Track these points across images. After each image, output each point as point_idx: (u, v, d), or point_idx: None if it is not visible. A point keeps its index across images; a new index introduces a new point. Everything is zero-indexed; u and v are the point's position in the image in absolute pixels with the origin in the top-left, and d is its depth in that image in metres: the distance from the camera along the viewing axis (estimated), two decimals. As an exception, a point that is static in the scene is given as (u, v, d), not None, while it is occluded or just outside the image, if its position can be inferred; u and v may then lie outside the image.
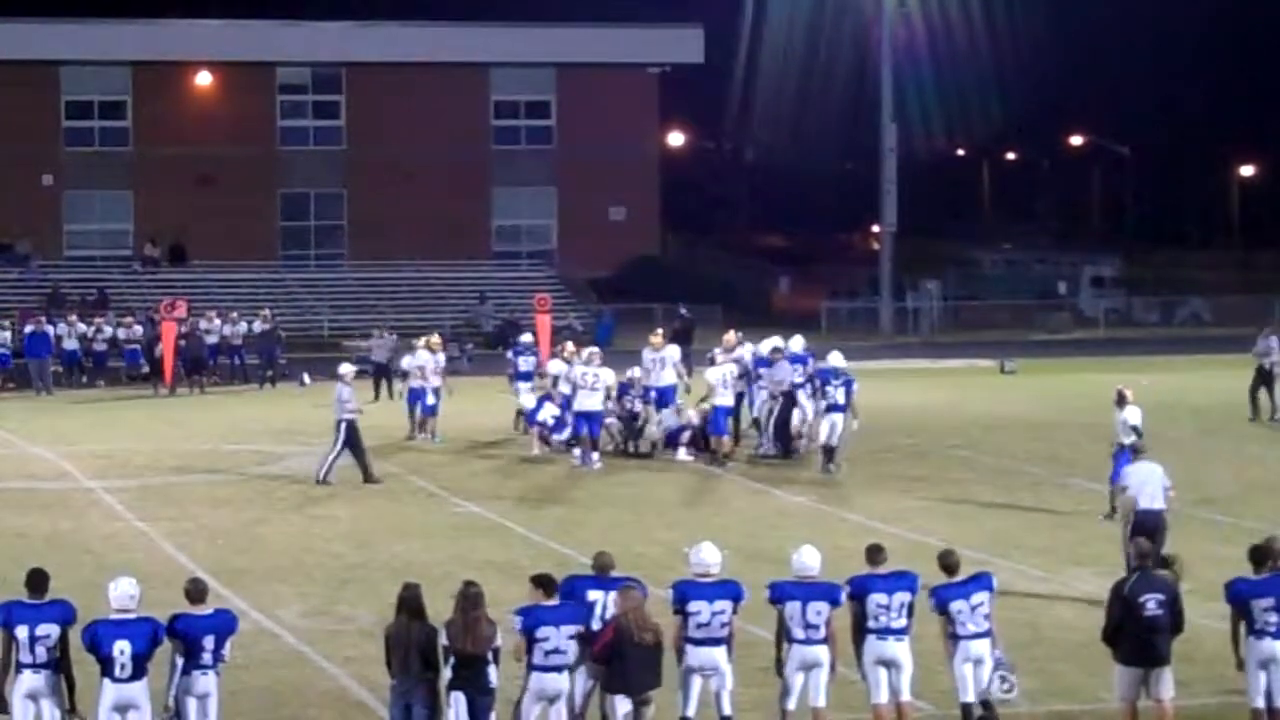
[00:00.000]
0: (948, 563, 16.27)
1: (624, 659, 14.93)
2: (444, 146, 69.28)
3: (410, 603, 14.81)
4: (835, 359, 31.44)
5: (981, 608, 15.90)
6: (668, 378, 33.67)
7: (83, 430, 38.20)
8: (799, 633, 15.56)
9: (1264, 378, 38.63)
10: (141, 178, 68.42)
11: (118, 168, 68.52)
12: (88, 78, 68.97)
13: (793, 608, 15.56)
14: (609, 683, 15.08)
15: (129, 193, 69.11)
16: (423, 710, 14.65)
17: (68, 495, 29.55)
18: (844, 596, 15.73)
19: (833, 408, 30.55)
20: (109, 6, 68.38)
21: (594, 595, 15.53)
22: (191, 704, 14.69)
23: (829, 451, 30.66)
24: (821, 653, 15.58)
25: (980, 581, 16.04)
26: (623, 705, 15.05)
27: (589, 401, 31.93)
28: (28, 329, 47.32)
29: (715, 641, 15.41)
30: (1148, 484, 21.42)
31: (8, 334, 47.75)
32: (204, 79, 69.77)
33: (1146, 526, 20.72)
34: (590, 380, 31.95)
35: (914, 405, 40.06)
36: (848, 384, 30.74)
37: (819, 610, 15.54)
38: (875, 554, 16.19)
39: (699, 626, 15.40)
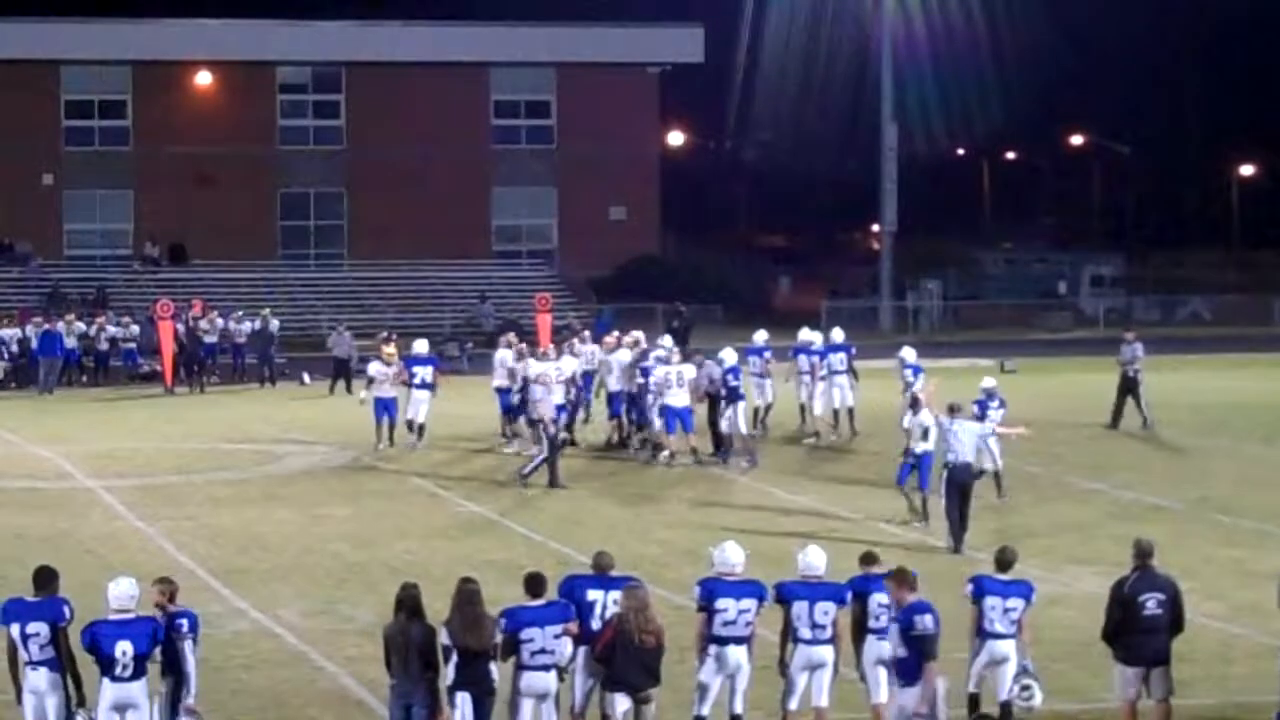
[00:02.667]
0: (1003, 559, 16.32)
1: (624, 658, 14.93)
2: (444, 146, 69.25)
3: (409, 602, 14.80)
4: (989, 383, 29.64)
5: (1013, 612, 15.92)
6: (616, 383, 33.39)
7: (83, 430, 38.20)
8: (805, 632, 15.55)
9: (1127, 385, 36.80)
10: (141, 177, 68.39)
11: (118, 167, 68.48)
12: (88, 77, 68.94)
13: (800, 607, 15.55)
14: (608, 681, 15.09)
15: (129, 192, 69.08)
16: (422, 711, 14.65)
17: (68, 495, 29.55)
18: (849, 596, 15.73)
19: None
20: (109, 6, 68.37)
21: (594, 595, 15.52)
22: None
23: (998, 477, 28.20)
24: (826, 653, 15.57)
25: (1022, 588, 16.05)
26: (622, 703, 15.06)
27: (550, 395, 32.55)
28: (39, 327, 47.24)
29: (739, 640, 15.42)
30: (964, 441, 24.66)
31: (16, 331, 47.72)
32: (204, 78, 69.74)
33: (957, 478, 24.39)
34: (555, 375, 32.44)
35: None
36: (1003, 405, 29.12)
37: (826, 610, 15.54)
38: (870, 561, 16.20)
39: (725, 624, 15.38)
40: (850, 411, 35.25)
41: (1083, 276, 76.19)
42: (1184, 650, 16.63)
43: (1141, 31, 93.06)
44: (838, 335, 36.15)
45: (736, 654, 15.41)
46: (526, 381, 32.18)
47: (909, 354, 33.57)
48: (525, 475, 29.77)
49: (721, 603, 15.37)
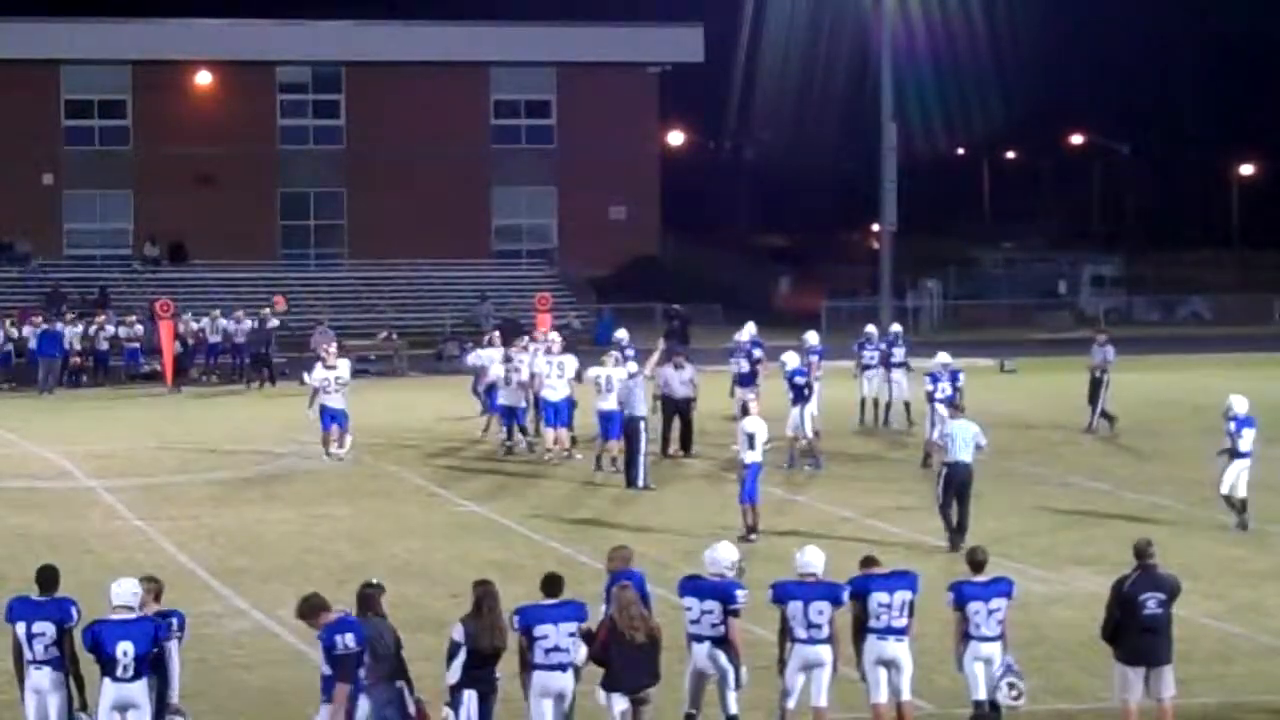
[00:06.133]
0: (975, 559, 16.28)
1: (620, 657, 14.93)
2: (444, 146, 69.25)
3: (363, 600, 14.85)
4: (1240, 405, 26.72)
5: (998, 613, 15.89)
6: (562, 390, 32.65)
7: (83, 429, 38.21)
8: (801, 632, 15.55)
9: (1095, 386, 36.80)
10: (141, 177, 68.39)
11: (118, 167, 68.48)
12: (88, 77, 68.94)
13: (795, 607, 15.56)
14: (605, 680, 15.09)
15: (129, 192, 69.09)
16: (390, 709, 14.68)
17: (68, 494, 29.56)
18: (846, 596, 15.72)
19: (1238, 454, 26.03)
20: (109, 6, 68.34)
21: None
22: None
23: (1238, 504, 26.29)
24: (824, 652, 15.55)
25: (1002, 586, 16.02)
26: (618, 703, 15.04)
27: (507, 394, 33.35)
28: (39, 327, 47.26)
29: (711, 640, 15.43)
30: (960, 440, 24.58)
31: (18, 330, 47.74)
32: (204, 78, 69.75)
33: (956, 476, 24.53)
34: (526, 377, 32.95)
35: (913, 404, 39.98)
36: (1245, 425, 26.30)
37: (821, 610, 15.52)
38: (869, 563, 16.18)
39: (691, 623, 15.50)
40: (889, 405, 36.68)
41: (1083, 276, 76.17)
42: (1184, 650, 16.64)
43: (1141, 32, 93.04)
44: (897, 328, 38.48)
45: (702, 652, 15.43)
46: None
47: (943, 358, 33.46)
48: (644, 484, 29.60)
49: (687, 601, 15.48)
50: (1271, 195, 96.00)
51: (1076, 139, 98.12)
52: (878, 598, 15.73)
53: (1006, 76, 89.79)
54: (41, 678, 14.53)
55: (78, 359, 47.90)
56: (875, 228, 75.46)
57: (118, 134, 69.40)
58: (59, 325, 47.73)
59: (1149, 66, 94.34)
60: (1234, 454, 26.18)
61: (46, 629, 14.52)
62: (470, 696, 14.64)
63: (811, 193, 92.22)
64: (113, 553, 24.32)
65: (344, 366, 33.38)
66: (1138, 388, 42.10)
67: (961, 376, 32.95)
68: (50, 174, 68.25)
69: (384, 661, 14.64)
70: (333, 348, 34.66)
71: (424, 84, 69.26)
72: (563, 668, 14.82)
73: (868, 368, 37.14)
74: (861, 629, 15.82)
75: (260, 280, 64.25)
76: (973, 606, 15.84)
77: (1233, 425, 26.30)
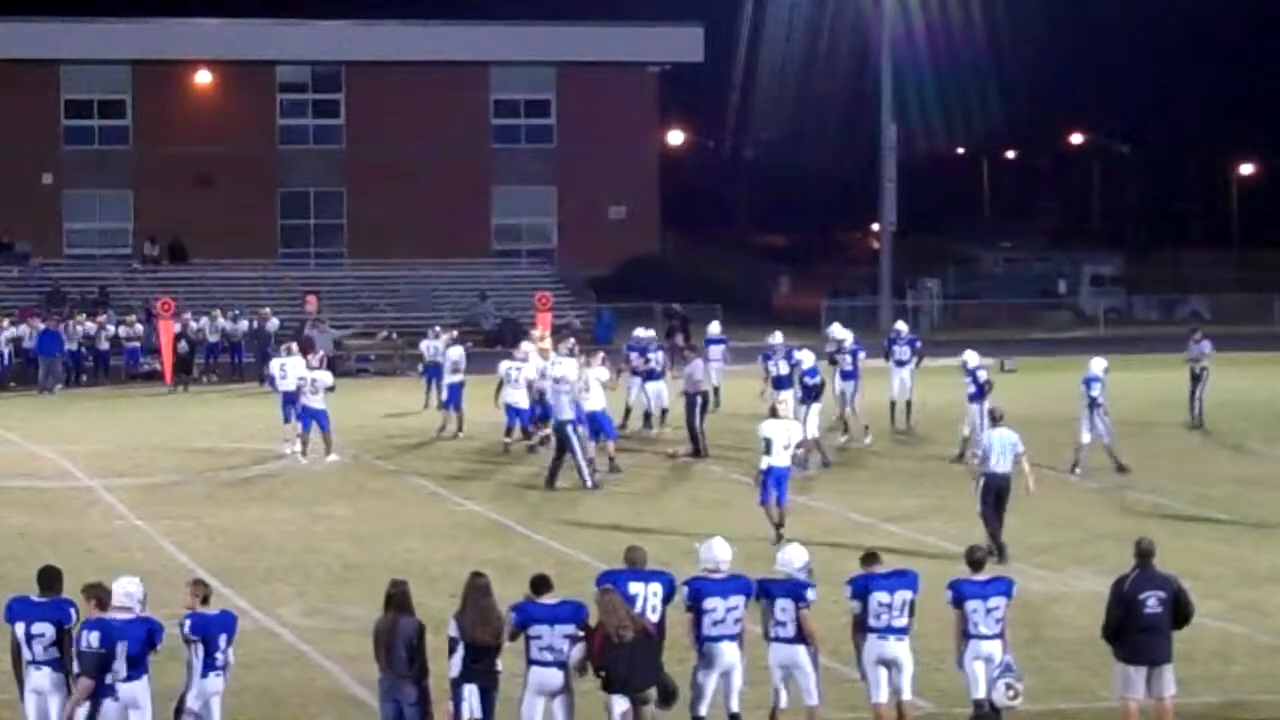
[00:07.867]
0: (974, 558, 16.27)
1: (614, 659, 14.94)
2: (444, 146, 69.27)
3: (397, 598, 14.90)
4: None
5: (996, 611, 15.87)
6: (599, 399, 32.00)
7: (83, 429, 38.22)
8: (772, 629, 15.59)
9: (1195, 382, 37.35)
10: (141, 177, 68.42)
11: (117, 167, 68.52)
12: (87, 77, 68.99)
13: (765, 603, 15.64)
14: (605, 684, 15.10)
15: (129, 192, 69.12)
16: (414, 709, 14.69)
17: (68, 494, 29.56)
18: (810, 595, 15.64)
19: None
20: (109, 5, 68.40)
21: (635, 588, 15.56)
22: (200, 704, 14.78)
23: None
24: (794, 651, 15.52)
25: (1001, 585, 16.00)
26: (619, 704, 15.03)
27: (516, 396, 33.39)
28: (40, 327, 47.27)
29: (731, 638, 15.45)
30: (999, 449, 23.79)
31: (24, 329, 47.75)
32: (204, 78, 69.79)
33: (993, 486, 23.77)
34: (514, 377, 33.24)
35: (914, 403, 40.03)
36: None
37: (784, 607, 15.53)
38: (871, 560, 16.18)
39: (715, 624, 15.43)
40: (909, 404, 36.78)
41: (1083, 276, 76.18)
42: (1184, 650, 16.62)
43: (1141, 31, 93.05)
44: (902, 327, 38.57)
45: (728, 652, 15.44)
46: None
47: (971, 357, 33.22)
48: (554, 486, 29.56)
49: (709, 602, 15.42)
50: (1271, 195, 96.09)
51: (1076, 138, 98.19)
52: (878, 597, 15.73)
53: (1006, 76, 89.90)
54: (41, 678, 14.53)
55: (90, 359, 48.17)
56: (875, 227, 75.56)
57: (117, 134, 69.44)
58: (61, 326, 47.75)
59: (1149, 66, 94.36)
60: None
61: (46, 629, 14.52)
62: (470, 690, 14.68)
63: (811, 192, 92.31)
64: (113, 552, 24.31)
65: (325, 374, 33.55)
66: (1137, 387, 42.10)
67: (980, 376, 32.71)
68: (50, 174, 68.29)
69: (411, 661, 14.68)
70: (318, 356, 34.80)
71: (424, 84, 69.27)
72: (558, 665, 14.85)
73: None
74: (862, 628, 15.82)
75: (260, 280, 64.29)
76: (970, 605, 15.84)
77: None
